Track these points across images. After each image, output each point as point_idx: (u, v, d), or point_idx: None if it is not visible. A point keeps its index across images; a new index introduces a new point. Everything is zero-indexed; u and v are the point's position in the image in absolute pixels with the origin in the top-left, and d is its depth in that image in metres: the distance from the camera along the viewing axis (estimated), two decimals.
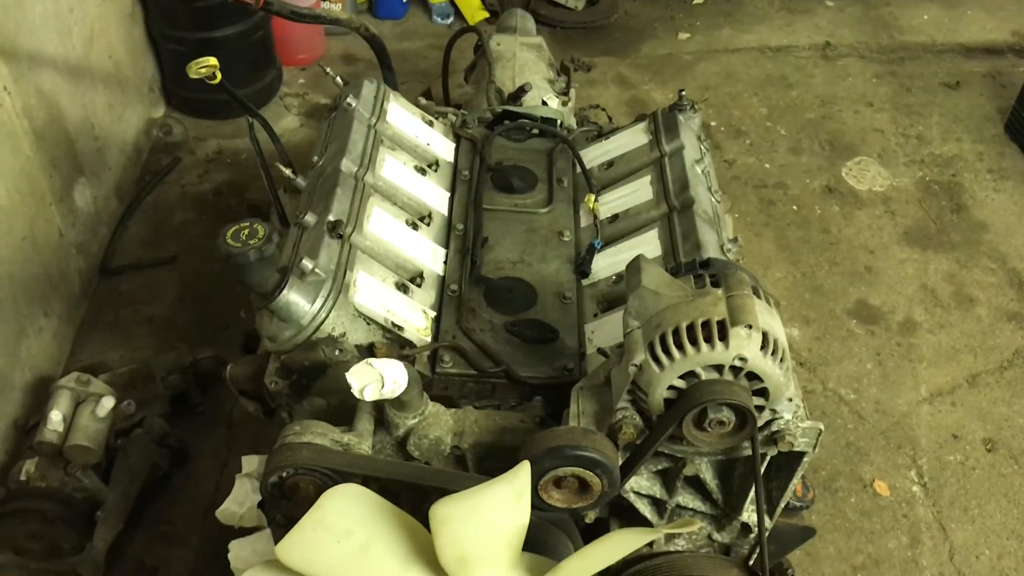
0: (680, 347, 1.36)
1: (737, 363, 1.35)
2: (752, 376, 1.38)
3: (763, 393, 1.40)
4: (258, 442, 2.49)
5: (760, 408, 1.42)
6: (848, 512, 2.57)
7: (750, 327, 1.35)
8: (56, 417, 2.26)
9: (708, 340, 1.35)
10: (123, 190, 3.25)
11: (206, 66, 1.70)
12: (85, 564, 2.27)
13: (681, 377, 1.38)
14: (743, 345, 1.34)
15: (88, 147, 2.99)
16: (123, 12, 3.27)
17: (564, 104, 2.72)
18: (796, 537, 1.73)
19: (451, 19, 4.26)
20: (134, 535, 2.38)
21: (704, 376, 1.38)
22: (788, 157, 3.70)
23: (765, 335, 1.36)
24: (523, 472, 1.29)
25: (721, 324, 1.36)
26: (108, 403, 2.32)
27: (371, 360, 1.46)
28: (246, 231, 1.56)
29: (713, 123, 3.83)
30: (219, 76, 1.74)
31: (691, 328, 1.37)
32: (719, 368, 1.37)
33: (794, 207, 3.49)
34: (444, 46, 3.12)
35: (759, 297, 1.44)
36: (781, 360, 1.38)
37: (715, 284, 1.45)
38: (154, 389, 2.54)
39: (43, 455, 2.26)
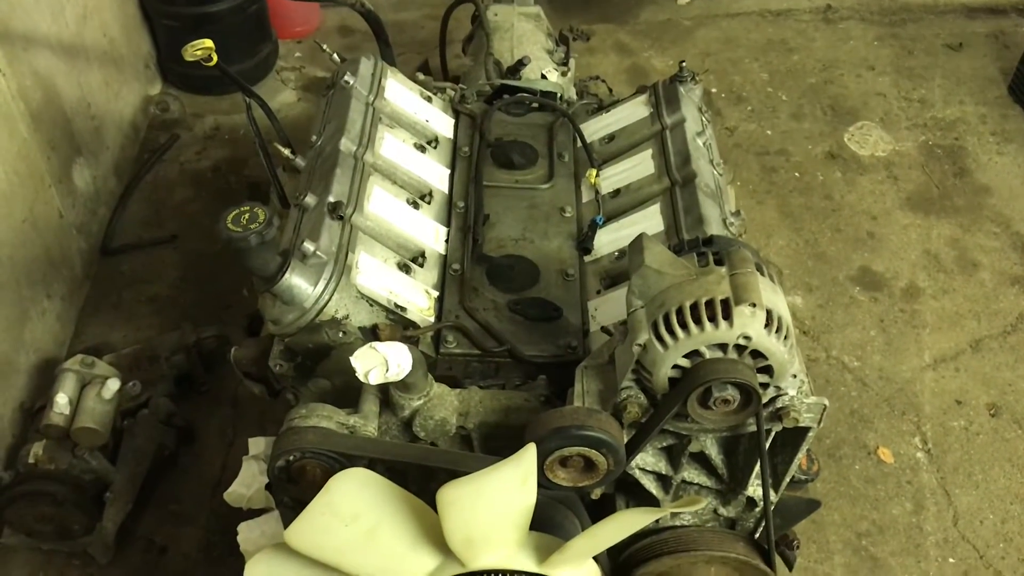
0: (684, 326, 1.36)
1: (741, 341, 1.35)
2: (756, 354, 1.38)
3: (767, 371, 1.40)
4: (263, 420, 2.51)
5: (764, 385, 1.41)
6: (853, 479, 2.58)
7: (754, 305, 1.34)
8: (62, 400, 2.27)
9: (712, 319, 1.35)
10: (122, 169, 3.23)
11: (201, 48, 1.69)
12: (95, 545, 2.29)
13: (685, 356, 1.38)
14: (747, 324, 1.34)
15: (85, 127, 2.97)
16: None
17: (563, 75, 2.70)
18: (801, 509, 1.73)
19: None
20: (143, 515, 2.40)
21: (708, 355, 1.37)
22: (790, 123, 3.67)
23: (769, 313, 1.36)
24: (529, 454, 1.29)
25: (725, 303, 1.35)
26: (114, 385, 2.32)
27: (375, 343, 1.46)
28: (247, 215, 1.55)
29: (714, 89, 3.80)
30: (215, 58, 1.72)
31: (695, 307, 1.37)
32: (723, 347, 1.37)
33: (796, 174, 3.47)
34: (440, 15, 3.09)
35: (762, 274, 1.43)
36: (785, 337, 1.38)
37: (718, 262, 1.44)
38: (159, 369, 2.55)
39: (50, 438, 2.27)
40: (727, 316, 1.35)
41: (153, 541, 2.38)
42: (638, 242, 1.49)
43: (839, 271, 3.13)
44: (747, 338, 1.35)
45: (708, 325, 1.35)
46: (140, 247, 3.06)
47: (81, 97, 2.94)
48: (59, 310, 2.73)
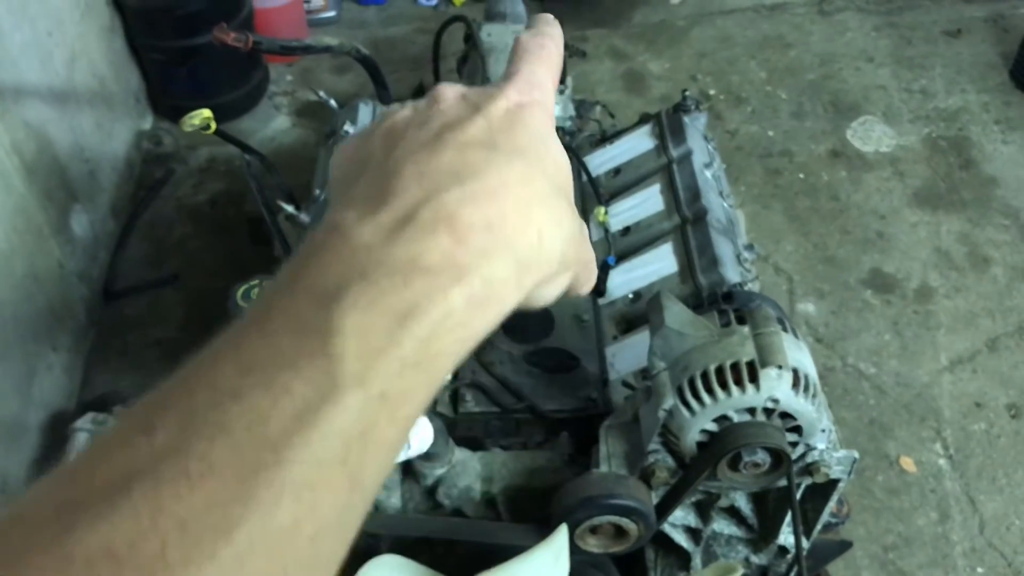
0: (710, 391, 1.33)
1: (769, 404, 1.32)
2: (785, 414, 1.35)
3: (796, 430, 1.37)
4: None
5: (794, 443, 1.39)
6: (876, 491, 2.56)
7: (780, 367, 1.31)
8: None
9: (738, 383, 1.32)
10: (119, 209, 3.20)
11: (200, 118, 1.65)
12: None
13: (713, 420, 1.35)
14: (774, 386, 1.31)
15: (80, 171, 2.93)
16: (102, 27, 3.18)
17: (561, 92, 2.65)
18: (832, 551, 1.71)
19: (436, 0, 4.15)
20: None
21: (736, 419, 1.35)
22: (791, 122, 3.63)
23: (795, 373, 1.33)
24: (561, 535, 1.27)
25: (750, 365, 1.32)
26: None
27: None
28: (256, 290, 1.52)
29: (712, 91, 3.75)
30: (213, 126, 1.68)
31: (720, 371, 1.34)
32: (751, 410, 1.34)
33: (801, 175, 3.43)
34: (431, 29, 3.04)
35: (785, 330, 1.40)
36: (813, 396, 1.35)
37: (740, 320, 1.41)
38: None
39: None
40: (753, 379, 1.32)
41: None
42: (657, 301, 1.46)
43: (850, 275, 3.10)
44: (775, 401, 1.32)
45: (735, 390, 1.32)
46: (142, 289, 3.03)
47: (74, 142, 2.90)
48: (65, 362, 2.70)
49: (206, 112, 1.67)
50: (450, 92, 0.53)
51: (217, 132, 1.73)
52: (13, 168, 2.48)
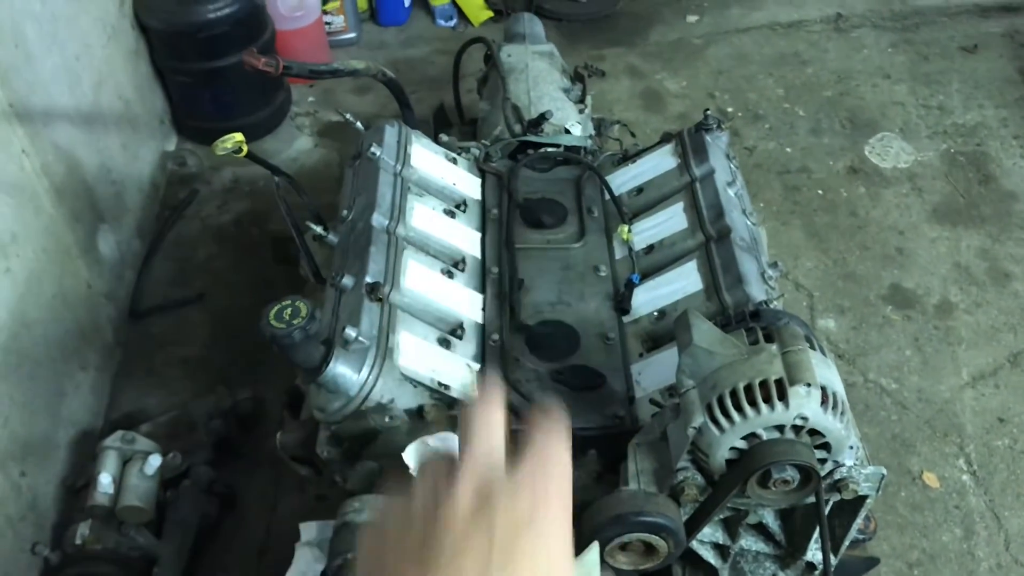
0: (739, 409, 1.35)
1: (798, 422, 1.34)
2: (813, 432, 1.36)
3: (825, 447, 1.39)
4: (303, 481, 2.51)
5: (822, 460, 1.40)
6: (899, 507, 2.56)
7: (809, 385, 1.33)
8: (105, 480, 2.27)
9: (767, 401, 1.34)
10: (144, 229, 3.24)
11: (232, 142, 1.68)
12: None
13: (742, 438, 1.37)
14: (803, 404, 1.33)
15: (107, 192, 2.97)
16: (128, 50, 3.23)
17: (580, 111, 2.68)
18: (860, 567, 1.72)
19: (455, 21, 4.20)
20: None
21: (766, 436, 1.36)
22: (809, 139, 3.65)
23: (824, 390, 1.35)
24: (593, 552, 1.29)
25: (779, 383, 1.34)
26: (156, 461, 2.32)
27: (426, 438, 1.45)
28: (288, 310, 1.54)
29: (730, 108, 3.77)
30: (245, 149, 1.72)
31: (748, 389, 1.35)
32: (780, 427, 1.35)
33: (819, 191, 3.44)
34: (450, 50, 3.08)
35: (813, 347, 1.42)
36: (842, 413, 1.37)
37: (768, 337, 1.43)
38: (197, 437, 2.54)
39: (96, 518, 2.27)
40: (782, 397, 1.33)
41: None
42: (684, 319, 1.48)
43: (870, 290, 3.10)
44: (804, 418, 1.34)
45: (764, 408, 1.34)
46: (168, 308, 3.06)
47: (101, 164, 2.95)
48: (93, 381, 2.73)
49: (238, 136, 1.70)
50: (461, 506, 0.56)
51: (248, 155, 1.77)
52: (43, 190, 2.52)
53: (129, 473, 2.33)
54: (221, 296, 3.09)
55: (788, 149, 3.61)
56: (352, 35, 4.06)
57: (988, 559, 2.45)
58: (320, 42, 3.83)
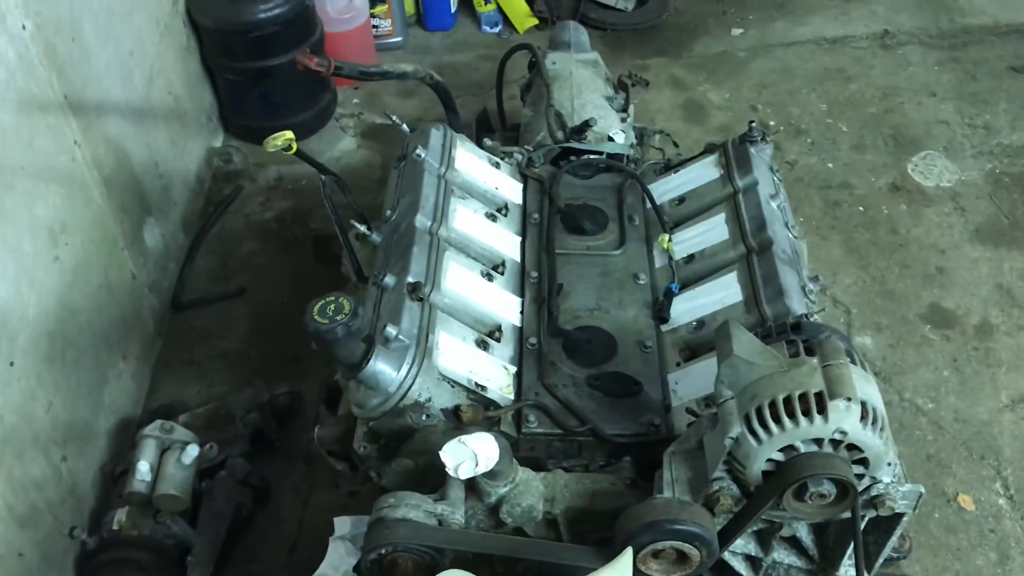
0: (778, 421, 1.35)
1: (837, 436, 1.34)
2: (851, 446, 1.36)
3: (863, 462, 1.38)
4: (337, 476, 2.53)
5: (860, 476, 1.40)
6: (933, 528, 2.53)
7: (849, 399, 1.33)
8: (144, 468, 2.31)
9: (806, 414, 1.34)
10: (189, 223, 3.29)
11: (282, 139, 1.71)
12: None
13: (780, 450, 1.37)
14: (842, 418, 1.33)
15: (154, 186, 3.03)
16: (179, 47, 3.29)
17: (623, 120, 2.69)
18: None
19: (500, 27, 4.23)
20: None
21: (803, 449, 1.36)
22: (851, 155, 3.62)
23: (864, 405, 1.34)
24: (626, 558, 1.29)
25: (819, 396, 1.34)
26: (193, 451, 2.36)
27: (463, 437, 1.47)
28: (332, 306, 1.56)
29: (772, 122, 3.76)
30: (295, 147, 1.74)
31: (788, 401, 1.35)
32: (818, 441, 1.35)
33: (860, 208, 3.42)
34: (494, 56, 3.10)
35: (855, 363, 1.41)
36: (881, 429, 1.36)
37: (808, 351, 1.43)
38: (234, 429, 2.58)
39: (133, 504, 2.31)
40: (822, 411, 1.33)
41: None
42: (725, 329, 1.48)
43: (909, 309, 3.08)
44: (843, 433, 1.33)
45: (803, 420, 1.34)
46: (209, 302, 3.11)
47: (149, 157, 3.00)
48: (134, 370, 2.78)
49: (288, 134, 1.73)
50: None
51: (297, 153, 1.80)
52: (93, 181, 2.57)
53: (167, 462, 2.36)
54: (262, 292, 3.13)
55: (830, 164, 3.59)
56: (398, 39, 4.09)
57: None
58: (367, 45, 3.87)
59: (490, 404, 1.76)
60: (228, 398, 2.67)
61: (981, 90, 3.91)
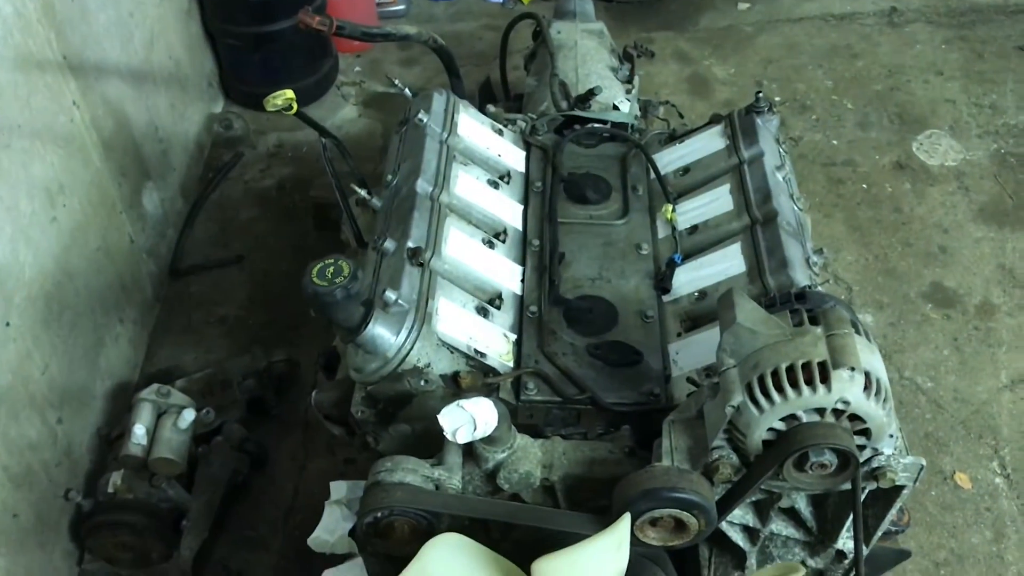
0: (780, 390, 1.34)
1: (839, 406, 1.32)
2: (854, 417, 1.35)
3: (865, 433, 1.37)
4: (333, 443, 2.53)
5: (861, 447, 1.39)
6: (929, 506, 2.54)
7: (853, 369, 1.32)
8: (139, 431, 2.31)
9: (809, 383, 1.32)
10: (188, 189, 3.27)
11: (283, 98, 1.69)
12: (173, 572, 2.33)
13: (781, 419, 1.36)
14: (846, 388, 1.31)
15: (153, 150, 3.00)
16: (180, 10, 3.26)
17: (628, 91, 2.66)
18: (890, 559, 1.71)
19: None
20: (218, 541, 2.43)
21: (805, 419, 1.35)
22: (856, 132, 3.60)
23: (867, 376, 1.33)
24: (624, 523, 1.28)
25: (822, 366, 1.33)
26: (189, 416, 2.35)
27: (461, 402, 1.45)
28: (331, 269, 1.55)
29: (777, 98, 3.73)
30: (295, 107, 1.72)
31: (791, 370, 1.34)
32: (820, 410, 1.34)
33: (864, 185, 3.40)
34: (498, 26, 3.06)
35: (859, 333, 1.40)
36: (884, 400, 1.35)
37: (813, 320, 1.41)
38: (231, 395, 2.57)
39: (129, 468, 2.31)
40: (825, 380, 1.32)
41: (229, 567, 2.40)
42: (728, 297, 1.47)
43: (910, 287, 3.07)
44: (846, 403, 1.32)
45: (805, 389, 1.32)
46: (208, 268, 3.09)
47: (149, 121, 2.97)
48: (131, 334, 2.77)
49: (289, 93, 1.71)
50: None
51: (297, 114, 1.77)
52: (92, 143, 2.55)
53: (163, 426, 2.36)
54: (260, 259, 3.11)
55: (834, 141, 3.56)
56: (401, 7, 4.05)
57: (1018, 563, 2.43)
58: (370, 12, 3.83)
59: (489, 371, 1.75)
60: (225, 364, 2.66)
61: (988, 70, 3.88)
